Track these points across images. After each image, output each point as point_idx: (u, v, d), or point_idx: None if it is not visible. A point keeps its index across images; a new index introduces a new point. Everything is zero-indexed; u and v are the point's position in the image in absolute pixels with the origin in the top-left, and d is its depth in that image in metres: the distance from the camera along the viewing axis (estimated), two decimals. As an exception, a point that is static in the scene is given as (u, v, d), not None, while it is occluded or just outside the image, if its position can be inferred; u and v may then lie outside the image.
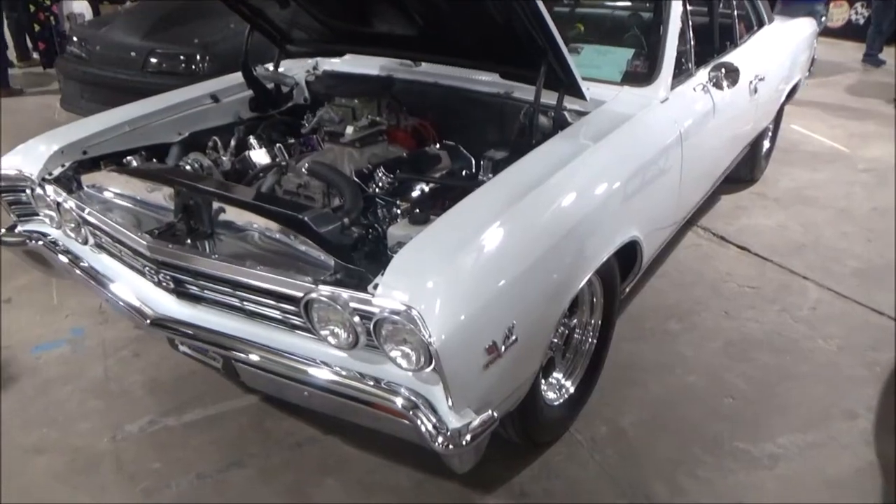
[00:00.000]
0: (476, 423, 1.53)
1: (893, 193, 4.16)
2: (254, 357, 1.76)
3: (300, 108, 2.94)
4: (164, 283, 1.91)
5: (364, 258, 1.83)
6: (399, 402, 1.56)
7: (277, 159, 2.37)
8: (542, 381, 2.12)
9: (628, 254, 2.26)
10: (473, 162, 2.47)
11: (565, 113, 2.39)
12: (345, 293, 1.57)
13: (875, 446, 2.24)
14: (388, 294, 1.50)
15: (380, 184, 2.16)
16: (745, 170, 4.15)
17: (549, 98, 2.23)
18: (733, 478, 2.10)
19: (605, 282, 2.22)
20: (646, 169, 2.22)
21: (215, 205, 1.89)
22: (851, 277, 3.26)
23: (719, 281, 3.24)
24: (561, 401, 2.20)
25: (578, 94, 2.24)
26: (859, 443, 2.26)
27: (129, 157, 2.32)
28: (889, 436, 2.27)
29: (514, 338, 1.60)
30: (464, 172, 2.44)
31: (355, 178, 2.17)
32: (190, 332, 1.87)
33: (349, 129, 2.37)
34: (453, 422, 1.52)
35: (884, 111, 5.90)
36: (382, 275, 1.54)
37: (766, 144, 4.38)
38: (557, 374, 2.24)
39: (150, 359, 2.65)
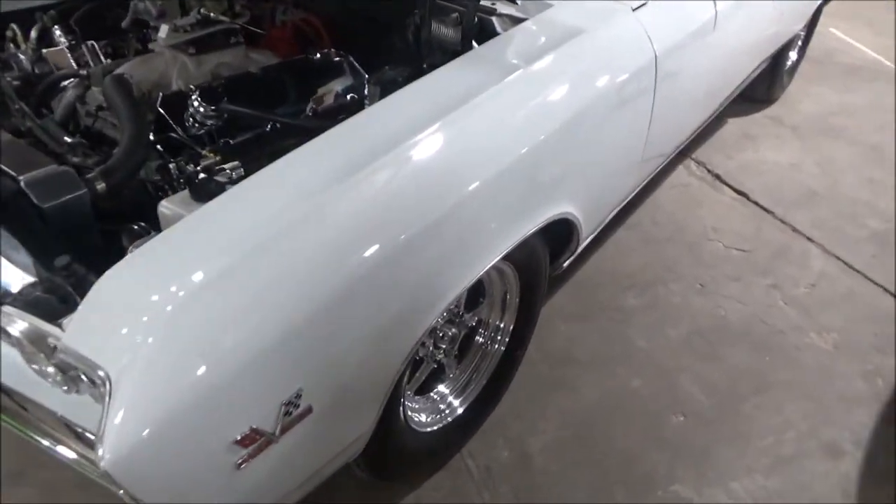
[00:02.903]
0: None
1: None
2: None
3: None
4: None
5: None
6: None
7: (83, 64, 1.69)
8: (410, 399, 1.56)
9: (560, 229, 1.63)
10: (366, 83, 1.77)
11: (494, 20, 1.68)
12: (42, 324, 0.99)
13: (856, 499, 1.71)
14: (78, 339, 0.92)
15: (195, 117, 1.47)
16: (762, 87, 3.36)
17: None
18: (658, 544, 1.60)
19: (521, 271, 1.60)
20: (588, 114, 1.53)
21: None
22: (868, 243, 2.61)
23: (702, 238, 2.60)
24: (439, 426, 1.63)
25: (499, -6, 1.52)
26: (836, 492, 1.72)
27: None
28: (878, 485, 1.74)
29: (302, 408, 1.02)
30: (348, 97, 1.74)
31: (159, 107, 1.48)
32: None
33: (162, 31, 1.64)
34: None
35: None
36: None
37: (793, 56, 3.54)
38: (443, 388, 1.67)
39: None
